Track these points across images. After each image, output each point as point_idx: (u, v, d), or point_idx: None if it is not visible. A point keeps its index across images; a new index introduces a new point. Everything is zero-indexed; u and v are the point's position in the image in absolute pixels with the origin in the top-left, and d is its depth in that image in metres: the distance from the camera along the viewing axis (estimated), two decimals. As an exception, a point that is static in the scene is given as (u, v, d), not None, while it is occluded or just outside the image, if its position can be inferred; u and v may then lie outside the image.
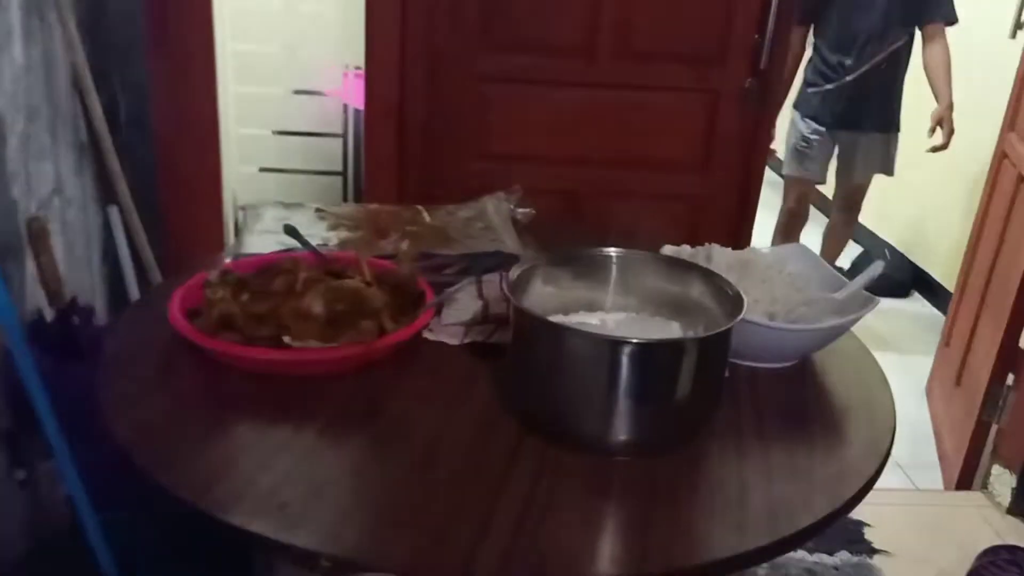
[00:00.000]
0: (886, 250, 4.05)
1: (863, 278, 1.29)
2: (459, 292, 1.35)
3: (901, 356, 3.11)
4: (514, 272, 1.09)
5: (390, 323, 1.15)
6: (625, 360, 0.95)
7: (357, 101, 2.59)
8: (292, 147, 2.83)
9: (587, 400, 0.98)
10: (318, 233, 1.48)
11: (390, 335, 1.12)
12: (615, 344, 0.96)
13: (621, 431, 0.99)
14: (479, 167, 2.11)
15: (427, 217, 1.61)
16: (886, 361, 1.30)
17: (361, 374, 1.11)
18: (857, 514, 2.03)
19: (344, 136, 2.75)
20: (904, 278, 3.89)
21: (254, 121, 2.77)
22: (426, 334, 1.22)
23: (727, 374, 1.05)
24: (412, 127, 2.11)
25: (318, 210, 1.60)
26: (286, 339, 1.09)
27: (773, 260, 1.35)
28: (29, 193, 1.58)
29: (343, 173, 2.79)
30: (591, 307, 1.18)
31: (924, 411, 2.79)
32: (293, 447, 0.99)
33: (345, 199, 2.77)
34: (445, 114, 2.13)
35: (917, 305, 3.81)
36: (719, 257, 1.33)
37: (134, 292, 1.99)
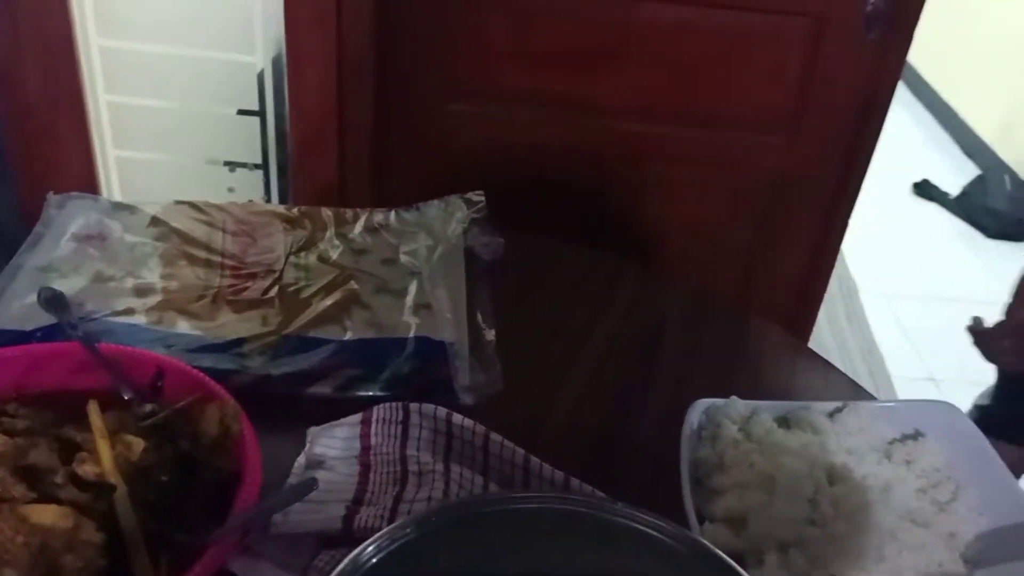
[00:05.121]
0: (1007, 176, 3.25)
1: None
2: (329, 448, 0.75)
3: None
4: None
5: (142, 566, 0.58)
6: None
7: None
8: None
9: None
10: (128, 284, 0.88)
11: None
12: None
13: None
14: (460, 111, 1.44)
15: (332, 236, 0.99)
16: None
17: None
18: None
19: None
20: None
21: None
22: (234, 566, 0.65)
23: None
24: (352, 39, 1.40)
25: (154, 221, 0.99)
26: None
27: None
28: None
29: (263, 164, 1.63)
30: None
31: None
32: None
33: (268, 197, 1.64)
34: (412, 26, 1.44)
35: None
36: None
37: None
